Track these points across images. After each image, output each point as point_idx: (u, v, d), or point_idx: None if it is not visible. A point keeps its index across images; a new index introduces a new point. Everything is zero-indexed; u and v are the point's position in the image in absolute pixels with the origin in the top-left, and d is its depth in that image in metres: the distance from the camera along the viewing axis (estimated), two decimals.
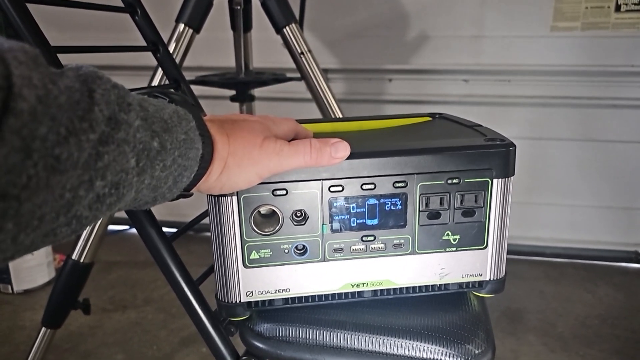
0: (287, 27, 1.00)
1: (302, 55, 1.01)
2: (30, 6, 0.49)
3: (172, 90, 0.63)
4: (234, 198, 0.43)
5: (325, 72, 1.73)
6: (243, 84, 1.08)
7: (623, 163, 1.70)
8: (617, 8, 1.58)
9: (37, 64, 0.22)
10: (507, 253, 0.48)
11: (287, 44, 1.01)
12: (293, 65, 1.05)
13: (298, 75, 1.05)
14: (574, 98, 1.65)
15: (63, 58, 0.49)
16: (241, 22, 1.03)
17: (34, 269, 1.58)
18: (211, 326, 0.50)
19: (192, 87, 0.70)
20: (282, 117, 0.45)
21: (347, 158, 0.43)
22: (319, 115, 1.09)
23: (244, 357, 0.50)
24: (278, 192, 0.43)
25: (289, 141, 0.41)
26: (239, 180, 0.39)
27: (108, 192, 0.26)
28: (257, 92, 1.21)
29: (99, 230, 0.95)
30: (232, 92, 1.11)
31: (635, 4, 1.57)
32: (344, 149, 0.41)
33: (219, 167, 0.37)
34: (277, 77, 1.10)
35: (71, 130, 0.23)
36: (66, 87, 0.23)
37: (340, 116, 1.05)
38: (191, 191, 0.38)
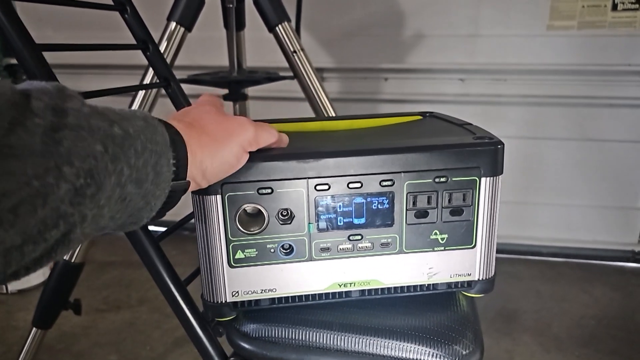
0: (280, 26, 0.99)
1: (294, 54, 1.00)
2: (24, 5, 0.49)
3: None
4: (219, 197, 0.42)
5: (320, 71, 1.74)
6: (236, 82, 1.07)
7: (619, 162, 1.70)
8: (614, 7, 1.58)
9: None
10: (504, 252, 0.47)
11: (279, 42, 1.01)
12: (286, 64, 1.05)
13: (291, 74, 1.05)
14: (570, 97, 1.65)
15: (57, 56, 0.49)
16: (234, 20, 1.03)
17: None
18: (199, 327, 0.50)
19: (184, 85, 0.69)
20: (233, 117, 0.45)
21: (334, 156, 0.42)
22: (312, 114, 1.08)
23: (231, 358, 0.50)
24: (263, 191, 0.42)
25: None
26: (225, 155, 0.38)
27: (84, 182, 0.26)
28: (250, 91, 1.20)
29: None
30: (225, 91, 1.11)
31: (631, 3, 1.57)
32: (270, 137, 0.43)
33: (196, 145, 0.36)
34: (269, 76, 1.09)
35: (16, 121, 0.23)
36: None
37: (333, 115, 1.05)
38: (186, 182, 0.36)
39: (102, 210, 0.28)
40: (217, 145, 0.38)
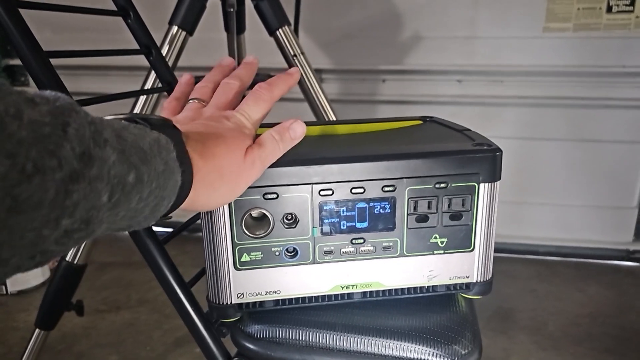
0: (280, 30, 1.00)
1: (295, 57, 1.01)
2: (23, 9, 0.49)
3: (153, 115, 0.65)
4: None
5: (319, 72, 1.75)
6: None
7: (615, 162, 1.72)
8: (609, 9, 1.60)
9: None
10: (499, 252, 0.48)
11: (280, 46, 1.02)
12: (286, 66, 1.06)
13: None
14: (566, 98, 1.67)
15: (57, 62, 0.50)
16: (234, 24, 1.04)
17: None
18: (203, 327, 0.51)
19: None
20: (248, 96, 0.44)
21: (338, 162, 0.44)
22: (311, 117, 1.09)
23: (235, 359, 0.51)
24: (269, 196, 0.43)
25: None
26: (229, 197, 0.40)
27: (77, 228, 0.25)
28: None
29: None
30: None
31: (626, 5, 1.58)
32: (300, 126, 0.43)
33: (205, 191, 0.36)
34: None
35: (39, 167, 0.21)
36: (30, 121, 0.22)
37: (333, 117, 1.06)
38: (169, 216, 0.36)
39: (82, 242, 0.27)
40: (225, 190, 0.38)
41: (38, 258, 0.24)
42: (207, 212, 0.44)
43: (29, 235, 0.22)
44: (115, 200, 0.27)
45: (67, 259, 0.95)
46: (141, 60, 0.66)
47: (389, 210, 0.45)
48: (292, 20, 1.08)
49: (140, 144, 0.29)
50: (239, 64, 1.14)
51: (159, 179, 0.30)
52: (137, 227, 0.32)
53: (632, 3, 1.58)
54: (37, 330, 0.99)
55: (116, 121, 0.30)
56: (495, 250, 0.49)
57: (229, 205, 0.43)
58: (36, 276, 1.60)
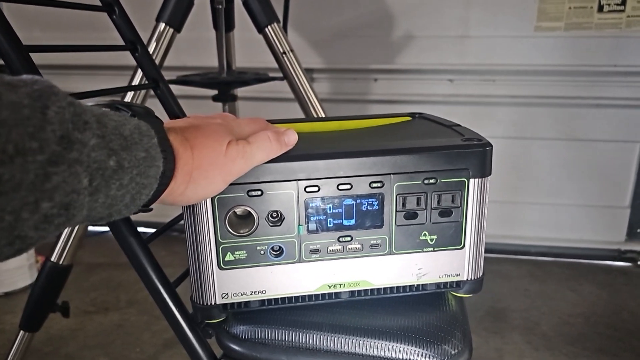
0: (269, 27, 0.99)
1: (284, 55, 1.00)
2: (11, 5, 0.48)
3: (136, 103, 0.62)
4: (208, 199, 0.42)
5: (310, 71, 1.74)
6: (225, 83, 1.07)
7: (606, 162, 1.72)
8: (600, 8, 1.60)
9: None
10: (492, 252, 0.48)
11: (269, 43, 1.01)
12: (276, 65, 1.05)
13: (281, 74, 1.05)
14: (557, 98, 1.67)
15: (45, 57, 0.48)
16: (223, 21, 1.02)
17: (15, 272, 1.55)
18: (188, 329, 0.50)
19: (175, 86, 0.69)
20: (250, 118, 0.44)
21: (324, 158, 0.43)
22: (301, 115, 1.08)
23: None
24: (253, 193, 0.42)
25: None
26: (206, 191, 0.39)
27: (57, 213, 0.25)
28: (240, 92, 1.20)
29: (79, 232, 0.94)
30: (214, 92, 1.10)
31: (617, 5, 1.59)
32: (293, 134, 0.43)
33: (184, 181, 0.36)
34: (259, 77, 1.09)
35: (19, 149, 0.22)
36: (11, 103, 0.22)
37: (323, 116, 1.05)
38: (151, 206, 0.36)
39: (63, 229, 0.27)
40: (204, 182, 0.37)
41: (17, 244, 0.24)
42: (189, 210, 0.43)
43: (8, 218, 0.22)
44: (95, 185, 0.27)
45: (52, 259, 0.93)
46: (130, 59, 0.65)
47: (376, 207, 0.44)
48: (281, 18, 1.07)
49: (120, 130, 0.30)
50: (227, 61, 1.13)
51: (140, 166, 0.30)
52: (118, 216, 0.32)
53: (624, 2, 1.59)
54: (21, 332, 0.97)
55: (96, 107, 0.29)
56: (487, 251, 0.48)
57: (212, 202, 0.42)
58: (23, 278, 1.58)
